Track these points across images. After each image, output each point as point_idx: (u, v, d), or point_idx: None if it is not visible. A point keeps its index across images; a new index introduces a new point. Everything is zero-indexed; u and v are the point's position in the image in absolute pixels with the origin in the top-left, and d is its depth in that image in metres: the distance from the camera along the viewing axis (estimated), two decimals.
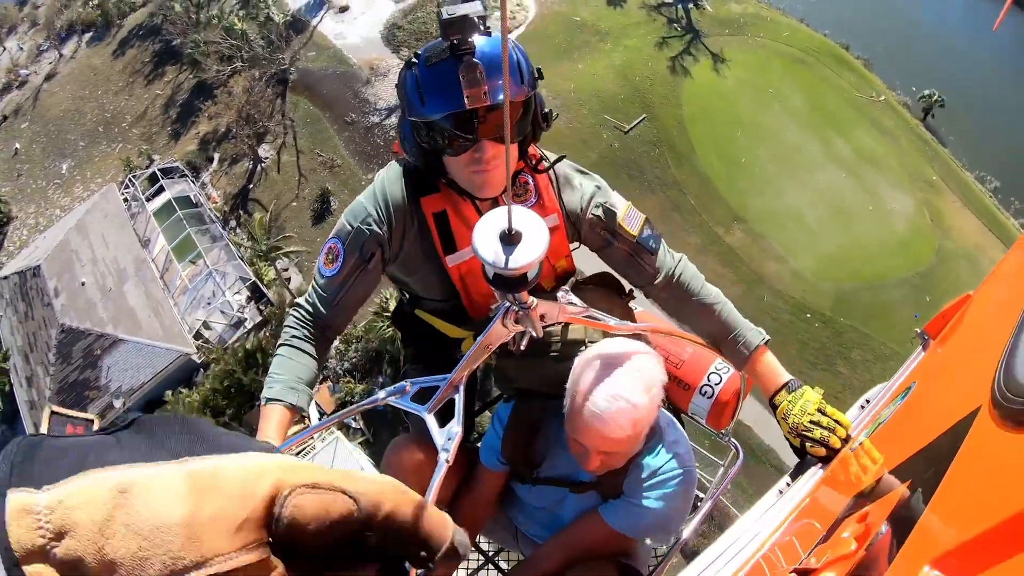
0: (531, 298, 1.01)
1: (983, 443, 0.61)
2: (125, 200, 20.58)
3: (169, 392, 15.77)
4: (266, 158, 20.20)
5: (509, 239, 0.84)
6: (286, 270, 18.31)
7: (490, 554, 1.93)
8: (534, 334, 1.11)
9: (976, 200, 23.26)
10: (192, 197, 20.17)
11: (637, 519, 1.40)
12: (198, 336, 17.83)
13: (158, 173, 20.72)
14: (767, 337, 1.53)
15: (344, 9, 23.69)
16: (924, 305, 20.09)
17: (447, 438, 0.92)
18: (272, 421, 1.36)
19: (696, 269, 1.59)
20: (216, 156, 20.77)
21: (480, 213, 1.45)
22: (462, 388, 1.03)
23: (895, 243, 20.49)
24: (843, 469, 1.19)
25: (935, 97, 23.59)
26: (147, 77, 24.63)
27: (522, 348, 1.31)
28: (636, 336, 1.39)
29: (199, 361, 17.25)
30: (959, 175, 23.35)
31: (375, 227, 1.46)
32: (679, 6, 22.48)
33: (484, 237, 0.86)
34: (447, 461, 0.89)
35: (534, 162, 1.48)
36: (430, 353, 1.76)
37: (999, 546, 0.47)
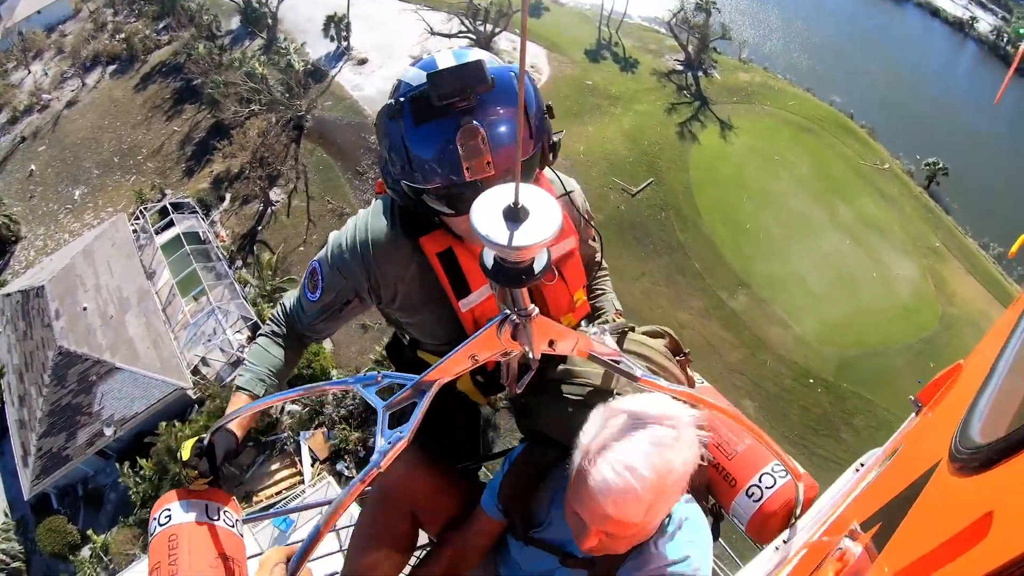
0: (533, 307, 0.86)
1: (938, 490, 0.68)
2: (134, 231, 20.73)
3: (163, 423, 15.55)
4: (277, 201, 20.42)
5: (515, 216, 0.68)
6: None
7: None
8: (530, 354, 0.93)
9: (980, 267, 23.36)
10: (201, 234, 20.32)
11: None
12: (196, 372, 17.69)
13: (169, 207, 20.93)
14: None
15: (363, 62, 24.37)
16: (928, 371, 19.95)
17: (388, 441, 0.84)
18: (236, 406, 1.42)
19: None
20: (228, 195, 21.01)
21: None
22: (429, 394, 0.94)
23: (899, 309, 20.49)
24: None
25: (939, 165, 23.95)
26: (166, 113, 25.13)
27: (517, 390, 1.20)
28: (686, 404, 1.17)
29: (194, 397, 17.09)
30: (963, 242, 23.53)
31: (350, 278, 1.39)
32: (689, 73, 23.09)
33: (485, 214, 0.70)
34: (378, 467, 0.82)
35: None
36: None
37: (935, 561, 0.55)
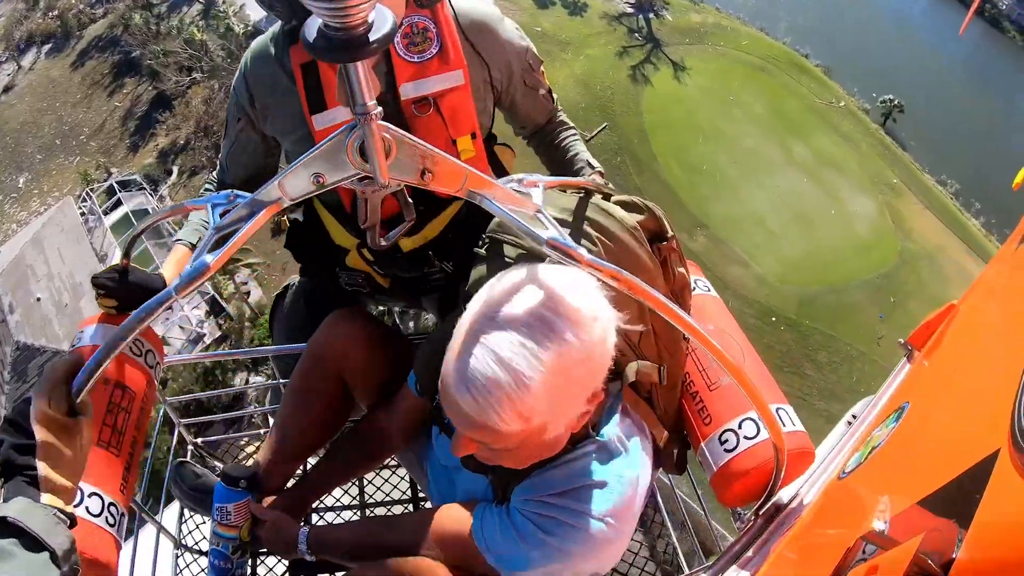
0: (375, 105, 0.66)
1: (1006, 491, 0.55)
2: (82, 214, 20.13)
3: None
4: None
5: None
6: (245, 283, 17.99)
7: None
8: (379, 181, 0.73)
9: (937, 202, 23.73)
10: (150, 210, 19.82)
11: (505, 548, 0.98)
12: None
13: (116, 186, 20.33)
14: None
15: None
16: (888, 306, 20.35)
17: (203, 241, 0.75)
18: (173, 258, 1.41)
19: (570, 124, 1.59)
20: (175, 168, 20.44)
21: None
22: (259, 215, 0.75)
23: (858, 246, 20.76)
24: (837, 502, 1.00)
25: (894, 102, 24.07)
26: (106, 89, 24.24)
27: (381, 241, 1.04)
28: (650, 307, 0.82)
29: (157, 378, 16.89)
30: (920, 178, 23.80)
31: (240, 97, 1.33)
32: (640, 16, 22.73)
33: None
34: (176, 291, 0.72)
35: None
36: (318, 267, 1.56)
37: None
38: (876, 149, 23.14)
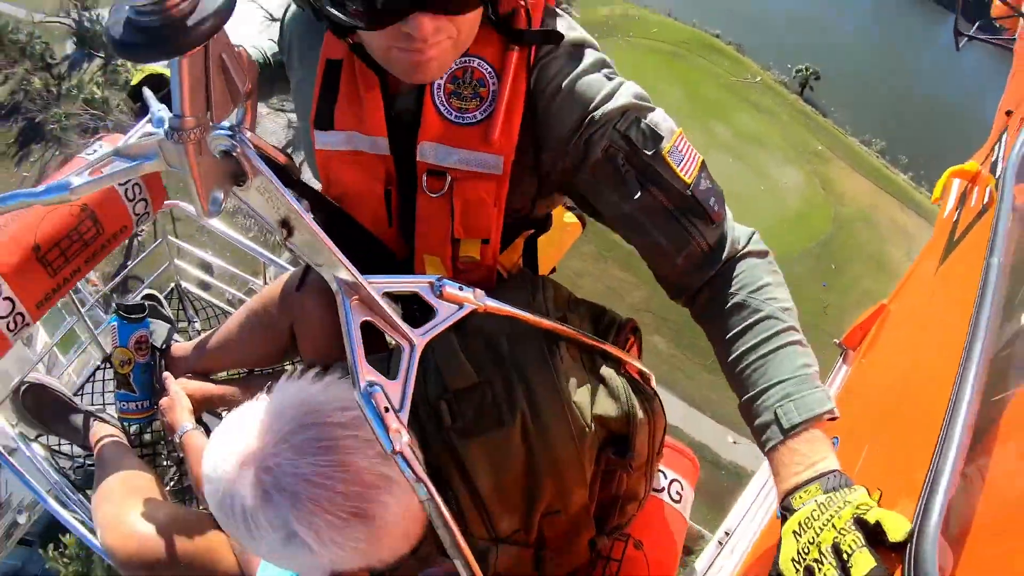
0: (196, 123, 0.49)
1: None
2: None
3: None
4: (142, 230, 19.19)
5: None
6: None
7: None
8: (199, 214, 0.56)
9: (864, 163, 24.21)
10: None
11: None
12: None
13: None
14: (832, 407, 0.74)
15: None
16: (830, 273, 20.62)
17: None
18: None
19: (774, 262, 0.89)
20: None
21: (392, 98, 0.89)
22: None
23: (792, 218, 20.98)
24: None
25: (810, 71, 24.45)
26: (12, 159, 23.20)
27: (207, 215, 0.84)
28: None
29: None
30: (844, 141, 24.23)
31: (279, 32, 1.05)
32: None
33: None
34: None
35: (520, 22, 0.83)
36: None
37: None
38: (798, 119, 23.51)
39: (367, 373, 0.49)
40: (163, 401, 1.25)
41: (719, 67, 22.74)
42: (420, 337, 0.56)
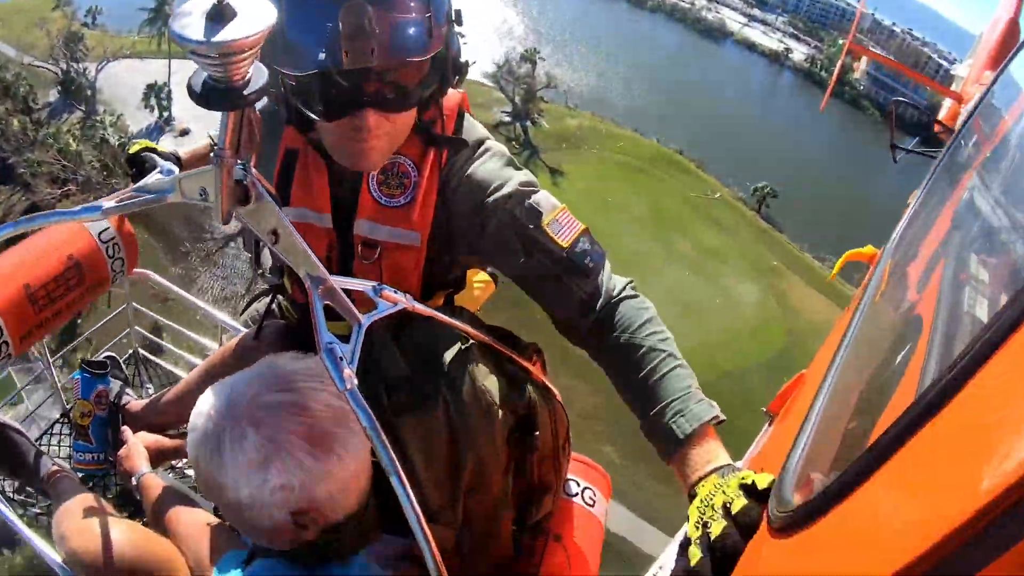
0: (228, 152, 0.67)
1: (759, 552, 0.67)
2: None
3: None
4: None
5: (220, 16, 0.59)
6: None
7: None
8: (216, 220, 0.75)
9: (818, 278, 25.16)
10: None
11: None
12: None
13: None
14: (717, 413, 0.94)
15: (185, 132, 23.36)
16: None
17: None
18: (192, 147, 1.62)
19: (646, 302, 1.08)
20: None
21: (336, 183, 1.13)
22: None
23: (747, 331, 21.38)
24: None
25: (767, 189, 25.83)
26: None
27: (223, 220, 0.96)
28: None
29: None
30: (799, 257, 25.28)
31: None
32: (517, 124, 23.61)
33: (187, 16, 0.60)
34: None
35: (437, 128, 1.09)
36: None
37: None
38: (755, 234, 24.51)
39: (327, 336, 0.68)
40: (122, 451, 1.31)
41: (680, 182, 23.83)
42: (365, 318, 0.76)
